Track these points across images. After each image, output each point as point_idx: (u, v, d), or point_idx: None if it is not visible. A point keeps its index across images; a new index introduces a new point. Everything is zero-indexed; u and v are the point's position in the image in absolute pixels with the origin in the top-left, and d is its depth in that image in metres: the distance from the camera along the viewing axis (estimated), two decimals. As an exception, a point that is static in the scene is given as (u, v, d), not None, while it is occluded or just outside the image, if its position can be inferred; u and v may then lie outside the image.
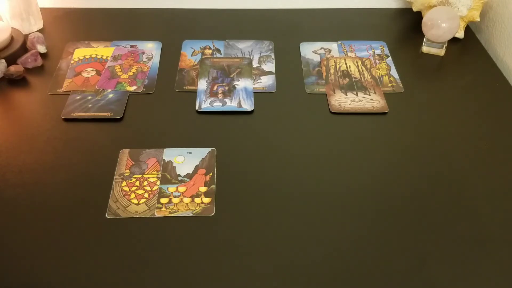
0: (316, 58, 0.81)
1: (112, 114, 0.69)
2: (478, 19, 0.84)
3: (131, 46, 0.83)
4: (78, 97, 0.72)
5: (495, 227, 0.55)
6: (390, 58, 0.81)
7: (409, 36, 0.87)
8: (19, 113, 0.70)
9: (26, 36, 0.83)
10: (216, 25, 0.90)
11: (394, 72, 0.78)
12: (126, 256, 0.51)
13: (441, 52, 0.82)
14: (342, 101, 0.72)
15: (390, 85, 0.76)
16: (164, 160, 0.62)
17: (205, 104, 0.71)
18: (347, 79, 0.76)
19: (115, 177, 0.59)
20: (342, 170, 0.62)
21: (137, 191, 0.58)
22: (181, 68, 0.79)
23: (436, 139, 0.66)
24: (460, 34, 0.85)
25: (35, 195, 0.58)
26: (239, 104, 0.71)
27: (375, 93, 0.73)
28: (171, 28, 0.89)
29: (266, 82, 0.76)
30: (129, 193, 0.57)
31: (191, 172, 0.60)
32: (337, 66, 0.79)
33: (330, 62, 0.80)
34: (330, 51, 0.83)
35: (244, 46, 0.84)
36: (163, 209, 0.56)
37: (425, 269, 0.51)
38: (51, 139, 0.66)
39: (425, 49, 0.83)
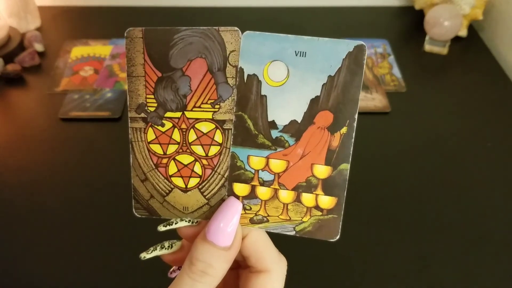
0: (317, 57, 0.80)
1: (110, 113, 0.68)
2: (481, 18, 0.83)
3: (130, 45, 0.82)
4: (75, 96, 0.71)
5: (498, 227, 0.54)
6: (392, 56, 0.80)
7: (411, 35, 0.86)
8: (16, 112, 0.69)
9: (24, 34, 0.82)
10: (216, 24, 0.89)
11: (396, 71, 0.77)
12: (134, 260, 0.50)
13: (444, 50, 0.81)
14: (344, 100, 0.71)
15: (392, 84, 0.75)
16: (235, 67, 0.26)
17: (204, 103, 0.70)
18: (348, 78, 0.75)
19: (130, 115, 0.27)
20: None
21: (180, 157, 0.27)
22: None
23: (438, 138, 0.65)
24: (463, 33, 0.84)
25: (33, 195, 0.57)
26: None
27: (377, 92, 0.73)
28: (170, 27, 0.88)
29: (267, 81, 0.75)
30: (164, 160, 0.27)
31: (299, 119, 0.25)
32: (339, 65, 0.78)
33: (331, 60, 0.79)
34: (331, 49, 0.82)
35: (244, 44, 0.83)
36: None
37: (427, 270, 0.50)
38: (48, 138, 0.65)
39: (427, 47, 0.82)
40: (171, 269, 0.29)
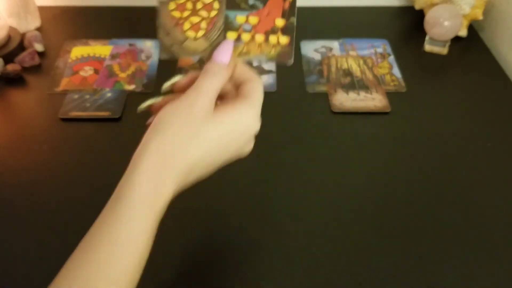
0: (317, 57, 0.80)
1: (110, 113, 0.68)
2: (481, 18, 0.83)
3: (130, 45, 0.82)
4: (76, 96, 0.71)
5: (498, 227, 0.54)
6: (392, 56, 0.80)
7: (412, 35, 0.86)
8: (16, 112, 0.70)
9: (24, 34, 0.82)
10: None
11: (396, 71, 0.77)
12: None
13: (444, 50, 0.81)
14: (344, 100, 0.71)
15: (392, 84, 0.75)
16: None
17: (204, 103, 0.70)
18: (348, 78, 0.75)
19: None
20: (343, 169, 0.61)
21: (191, 19, 0.44)
22: (181, 67, 0.78)
23: (438, 138, 0.65)
24: (463, 33, 0.84)
25: (33, 195, 0.57)
26: (239, 103, 0.70)
27: (377, 92, 0.72)
28: None
29: (266, 81, 0.75)
30: (181, 21, 0.44)
31: None
32: (339, 65, 0.78)
33: (332, 60, 0.79)
34: (331, 49, 0.82)
35: (244, 44, 0.83)
36: None
37: (427, 270, 0.50)
38: (48, 138, 0.65)
39: (427, 47, 0.82)
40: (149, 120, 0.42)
